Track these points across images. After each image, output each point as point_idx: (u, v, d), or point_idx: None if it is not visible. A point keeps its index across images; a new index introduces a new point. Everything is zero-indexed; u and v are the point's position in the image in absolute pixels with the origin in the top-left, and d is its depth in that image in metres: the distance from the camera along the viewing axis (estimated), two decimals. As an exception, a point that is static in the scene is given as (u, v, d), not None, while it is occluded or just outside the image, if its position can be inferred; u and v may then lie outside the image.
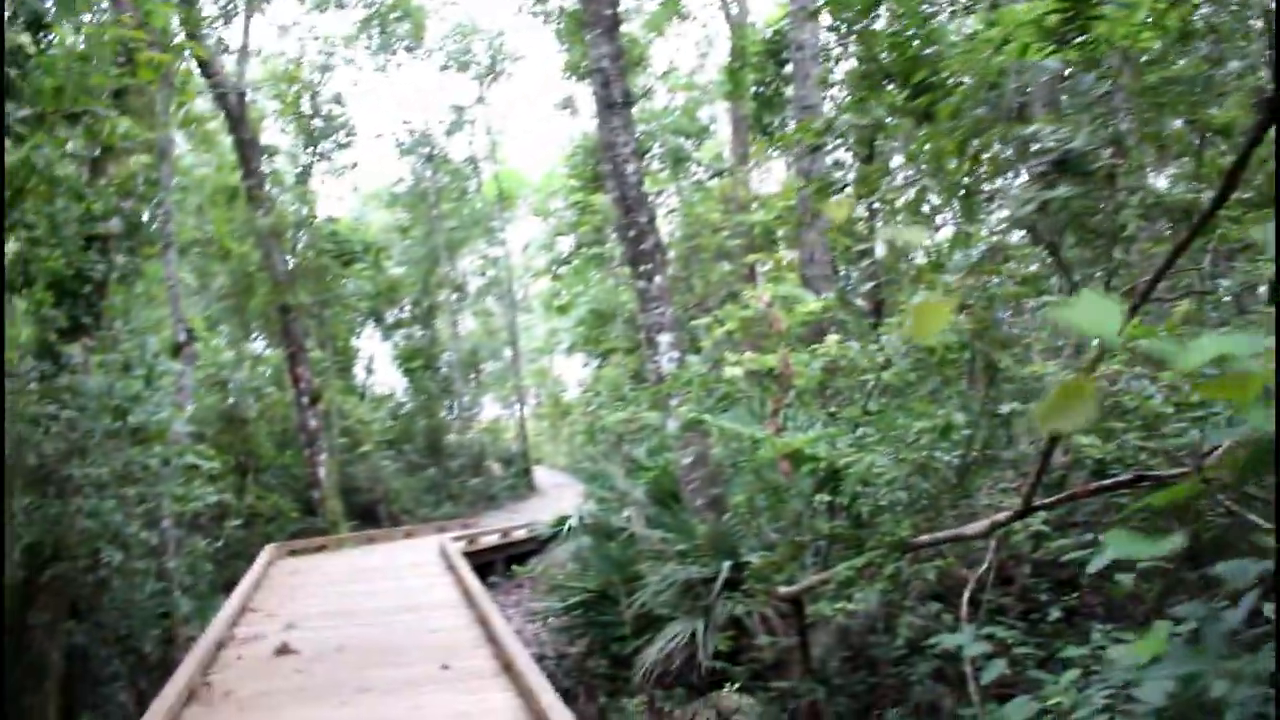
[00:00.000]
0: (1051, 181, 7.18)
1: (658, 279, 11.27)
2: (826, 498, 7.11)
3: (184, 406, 12.13)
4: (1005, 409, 6.32)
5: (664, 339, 11.15)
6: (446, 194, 35.79)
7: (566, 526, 17.37)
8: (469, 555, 16.66)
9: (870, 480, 6.12)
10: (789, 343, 7.68)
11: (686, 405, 7.47)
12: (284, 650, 9.91)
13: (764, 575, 7.84)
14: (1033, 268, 8.12)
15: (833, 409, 8.06)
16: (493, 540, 20.86)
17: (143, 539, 8.98)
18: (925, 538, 6.02)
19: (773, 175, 30.28)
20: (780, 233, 22.80)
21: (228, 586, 18.37)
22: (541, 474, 41.15)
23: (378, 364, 40.29)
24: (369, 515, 27.43)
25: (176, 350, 9.65)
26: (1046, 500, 5.34)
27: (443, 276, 35.93)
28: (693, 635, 9.52)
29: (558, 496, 35.06)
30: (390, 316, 38.19)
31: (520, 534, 22.18)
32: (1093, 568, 3.53)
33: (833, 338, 7.56)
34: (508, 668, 8.86)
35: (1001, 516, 5.46)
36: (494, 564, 20.87)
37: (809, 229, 13.51)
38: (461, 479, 33.25)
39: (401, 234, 36.00)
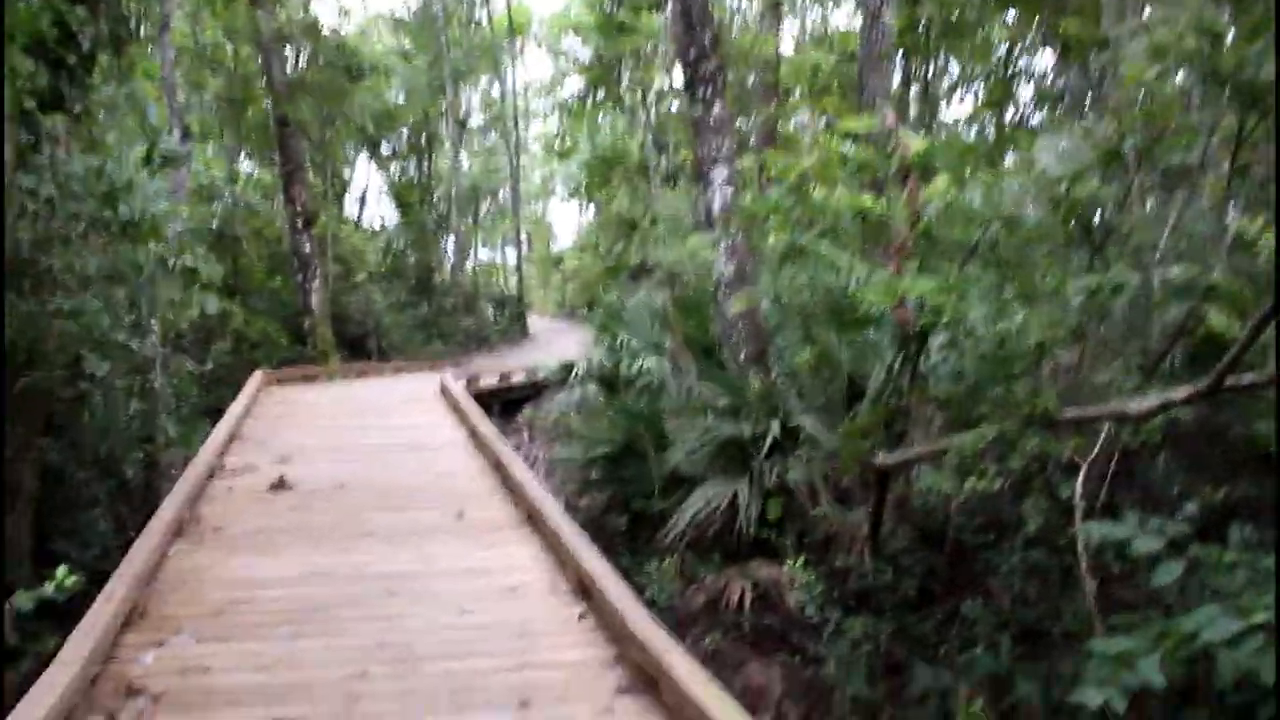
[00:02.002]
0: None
1: (717, 107, 10.00)
2: (933, 358, 6.13)
3: (182, 204, 10.87)
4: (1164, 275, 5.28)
5: (719, 174, 9.96)
6: (456, 18, 33.54)
7: (575, 373, 16.49)
8: (465, 396, 15.72)
9: (1010, 342, 5.11)
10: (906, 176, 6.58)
11: (775, 234, 6.39)
12: (280, 485, 9.02)
13: (850, 441, 6.92)
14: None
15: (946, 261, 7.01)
16: (491, 383, 19.96)
17: (129, 349, 7.88)
18: (1076, 411, 5.09)
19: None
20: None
21: (212, 413, 17.51)
22: (533, 319, 40.15)
23: (371, 197, 38.80)
24: (357, 348, 26.43)
25: (149, 158, 8.36)
26: (1241, 381, 4.30)
27: (446, 108, 34.00)
28: (733, 498, 8.65)
29: (549, 342, 34.16)
30: (386, 147, 36.41)
31: (519, 378, 21.29)
32: None
33: (941, 178, 6.44)
34: (530, 518, 7.99)
35: (1178, 394, 4.45)
36: (491, 407, 19.88)
37: (873, 72, 12.14)
38: (454, 318, 32.18)
39: (405, 60, 33.86)
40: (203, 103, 25.67)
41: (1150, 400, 4.60)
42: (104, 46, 6.97)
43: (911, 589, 7.12)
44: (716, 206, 9.90)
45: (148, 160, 7.83)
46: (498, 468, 9.88)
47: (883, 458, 6.11)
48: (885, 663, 7.23)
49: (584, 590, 6.27)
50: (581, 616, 5.94)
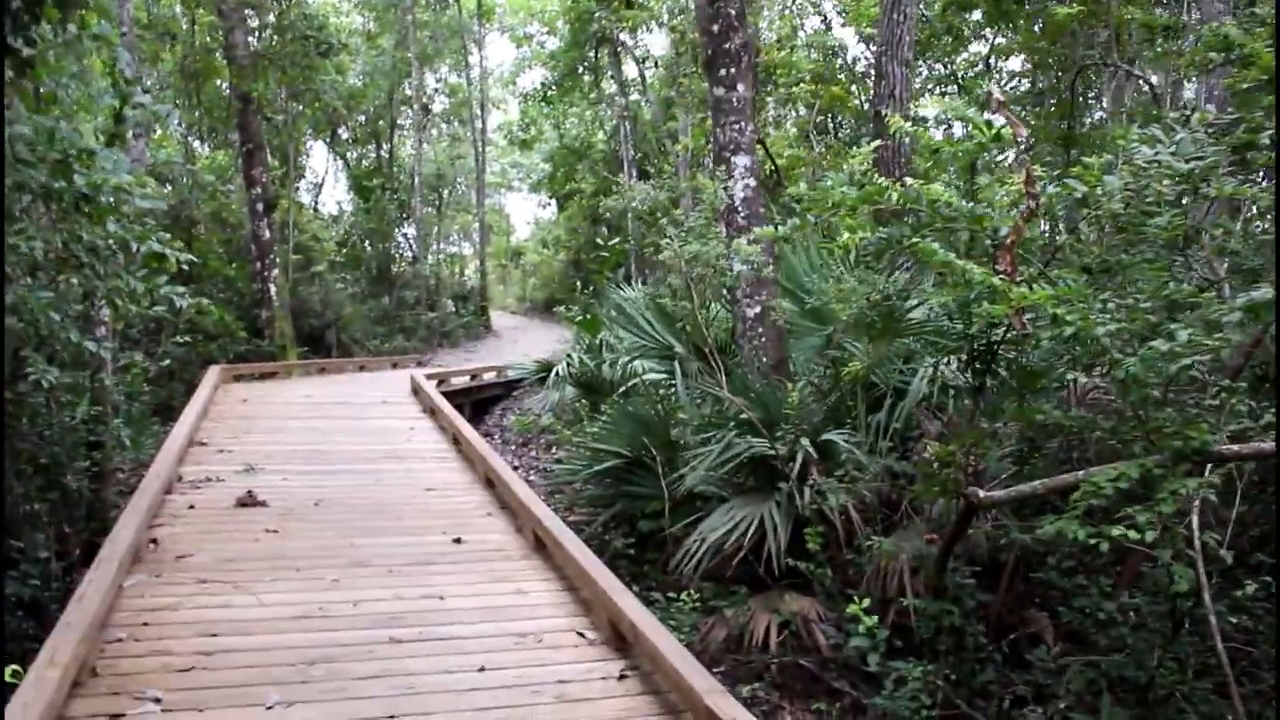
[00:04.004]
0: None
1: (740, 88, 9.06)
2: (1095, 380, 5.26)
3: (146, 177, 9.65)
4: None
5: (740, 161, 9.03)
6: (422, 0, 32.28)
7: (554, 373, 15.48)
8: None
9: (1151, 360, 4.29)
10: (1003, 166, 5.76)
11: (843, 229, 5.50)
12: (249, 501, 7.99)
13: (932, 469, 6.07)
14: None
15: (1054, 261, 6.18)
16: (462, 382, 18.90)
17: (78, 347, 6.76)
18: (1237, 448, 4.28)
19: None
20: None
21: (162, 410, 16.28)
22: (495, 315, 39.05)
23: (327, 183, 37.44)
24: (316, 342, 25.24)
25: (119, 118, 7.25)
26: None
27: (410, 91, 32.73)
28: (760, 523, 7.75)
29: (514, 339, 33.13)
30: (345, 132, 35.07)
31: (490, 377, 20.26)
32: None
33: (1037, 169, 5.59)
34: (540, 545, 7.06)
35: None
36: (461, 408, 18.85)
37: (893, 61, 11.30)
38: (416, 312, 31.00)
39: (368, 40, 32.54)
40: (158, 77, 24.23)
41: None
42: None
43: (977, 633, 6.29)
44: (739, 197, 8.98)
45: (118, 119, 6.72)
46: (490, 483, 8.93)
47: (985, 494, 5.27)
48: (942, 715, 6.40)
49: (619, 640, 5.37)
50: (623, 675, 5.03)
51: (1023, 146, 5.44)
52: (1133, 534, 4.34)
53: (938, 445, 8.16)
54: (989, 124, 5.71)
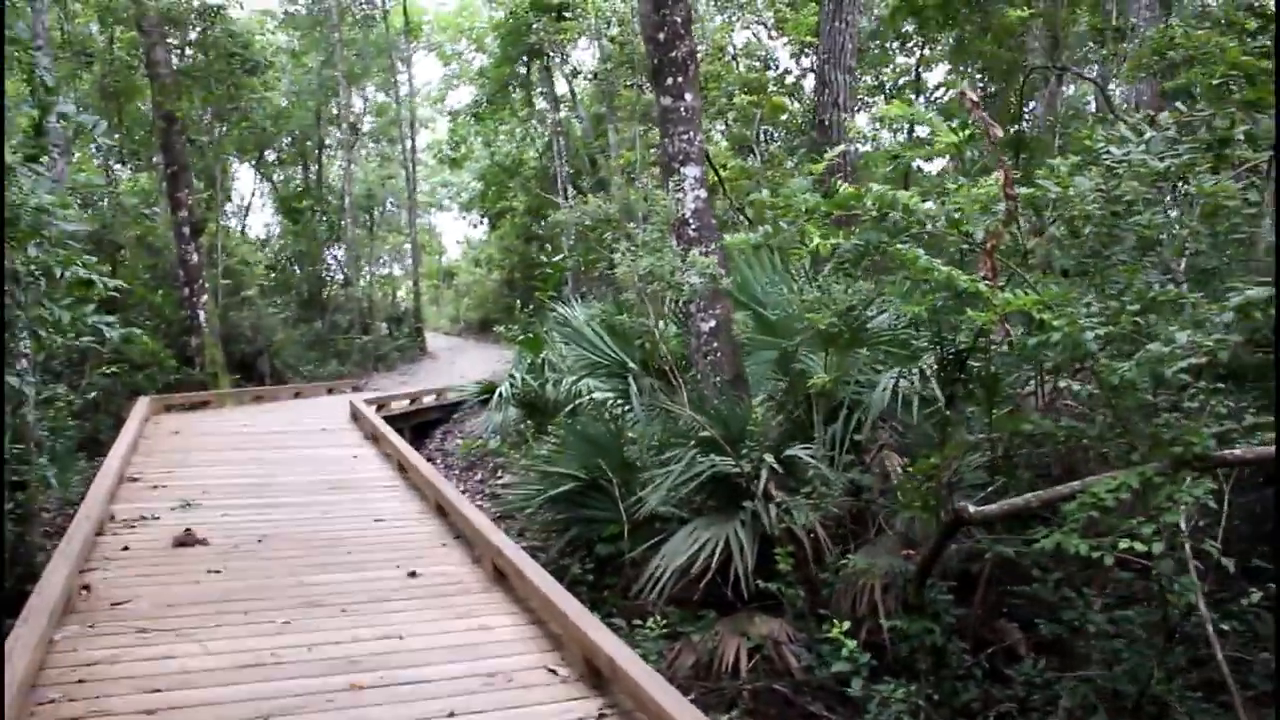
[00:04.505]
0: None
1: (688, 96, 8.85)
2: (1073, 384, 5.10)
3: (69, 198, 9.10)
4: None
5: (690, 172, 8.82)
6: (348, 16, 31.68)
7: (497, 394, 15.12)
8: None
9: (1155, 366, 4.14)
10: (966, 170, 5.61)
11: (812, 236, 5.27)
12: (187, 540, 7.55)
13: (915, 484, 5.87)
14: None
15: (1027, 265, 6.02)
16: (402, 406, 18.46)
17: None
18: (1240, 452, 4.15)
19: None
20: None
21: (88, 444, 15.57)
22: (430, 336, 38.43)
23: (254, 206, 36.52)
24: (248, 369, 24.53)
25: (39, 130, 6.79)
26: None
27: (338, 111, 32.10)
28: (725, 544, 7.52)
29: (451, 361, 32.59)
30: (270, 153, 34.31)
31: (429, 400, 19.85)
32: None
33: (996, 174, 5.46)
34: (500, 576, 6.74)
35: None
36: (401, 432, 18.41)
37: (836, 69, 11.19)
38: (350, 336, 30.35)
39: (294, 59, 31.86)
40: (75, 98, 23.39)
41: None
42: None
43: (959, 650, 6.11)
44: (689, 208, 8.77)
45: (38, 132, 6.25)
46: (442, 511, 8.59)
47: (976, 509, 5.09)
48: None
49: (595, 676, 5.08)
50: (602, 714, 4.75)
51: (997, 148, 5.31)
52: (1139, 546, 4.19)
53: (898, 457, 8.04)
54: (963, 125, 5.57)
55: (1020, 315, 5.52)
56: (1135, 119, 5.91)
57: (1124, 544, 4.24)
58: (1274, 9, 8.09)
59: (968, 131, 5.54)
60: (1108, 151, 5.50)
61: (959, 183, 5.55)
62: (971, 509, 5.15)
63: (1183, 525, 4.87)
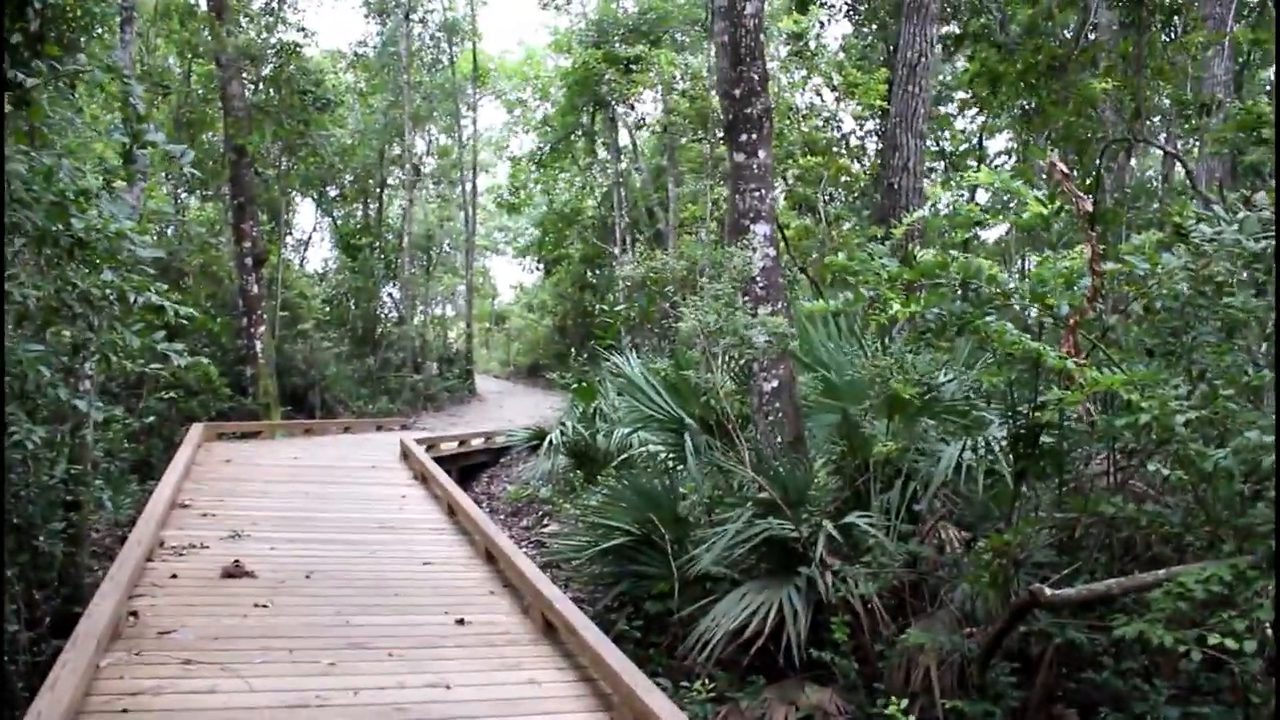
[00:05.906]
0: None
1: (762, 154, 8.81)
2: (1162, 469, 4.91)
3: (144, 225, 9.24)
4: None
5: (760, 230, 8.74)
6: (418, 59, 32.26)
7: (548, 442, 15.02)
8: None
9: (1253, 455, 3.97)
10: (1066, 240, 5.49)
11: (893, 304, 5.14)
12: (235, 571, 7.49)
13: (984, 562, 5.65)
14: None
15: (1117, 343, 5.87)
16: (451, 448, 18.41)
17: (62, 403, 6.28)
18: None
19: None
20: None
21: (140, 469, 15.68)
22: (480, 379, 38.60)
23: (313, 241, 37.09)
24: (299, 401, 24.71)
25: (128, 157, 6.89)
26: None
27: (402, 151, 32.59)
28: (778, 609, 7.32)
29: (500, 404, 32.65)
30: (333, 190, 34.87)
31: (478, 443, 19.80)
32: None
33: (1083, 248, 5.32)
34: (550, 629, 6.60)
35: None
36: (449, 474, 18.39)
37: (907, 132, 11.14)
38: (401, 374, 30.51)
39: (362, 99, 32.45)
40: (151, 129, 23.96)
41: None
42: (56, 25, 5.52)
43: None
44: (758, 266, 8.68)
45: (127, 159, 6.35)
46: (491, 558, 8.47)
47: (1052, 592, 4.88)
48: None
49: (650, 742, 4.91)
50: (658, 785, 4.58)
51: (1083, 221, 5.17)
52: (1230, 643, 3.97)
53: (955, 529, 7.81)
54: (1052, 197, 5.44)
55: (1097, 393, 5.36)
56: (1232, 198, 5.72)
57: (1213, 639, 4.02)
58: (1274, 9, 7.81)
59: (1057, 204, 5.42)
60: (1198, 229, 5.33)
61: (1043, 255, 5.41)
62: (1048, 591, 4.93)
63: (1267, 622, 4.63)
